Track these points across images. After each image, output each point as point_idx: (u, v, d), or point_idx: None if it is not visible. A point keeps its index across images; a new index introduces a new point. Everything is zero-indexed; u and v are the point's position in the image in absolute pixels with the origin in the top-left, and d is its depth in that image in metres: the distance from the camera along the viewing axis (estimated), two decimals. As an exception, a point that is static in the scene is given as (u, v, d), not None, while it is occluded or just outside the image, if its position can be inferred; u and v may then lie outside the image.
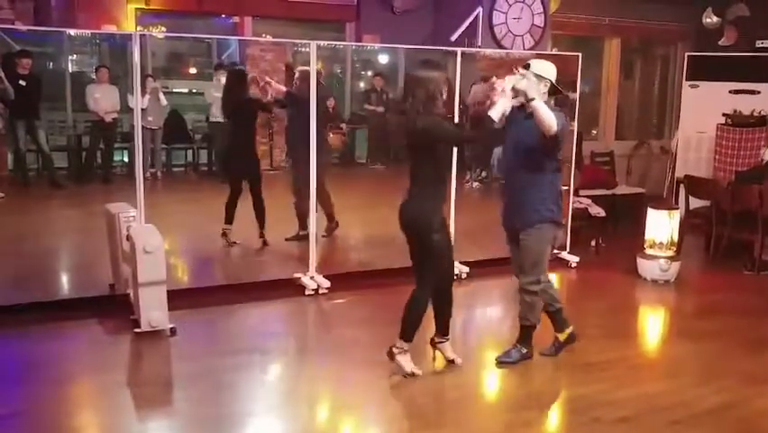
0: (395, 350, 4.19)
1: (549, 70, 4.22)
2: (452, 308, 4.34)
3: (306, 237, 6.31)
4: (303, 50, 6.93)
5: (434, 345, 4.43)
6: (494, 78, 4.12)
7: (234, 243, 6.58)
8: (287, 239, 6.66)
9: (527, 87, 3.98)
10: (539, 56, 8.09)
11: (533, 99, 3.95)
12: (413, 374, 4.17)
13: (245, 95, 6.56)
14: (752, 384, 4.30)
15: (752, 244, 6.73)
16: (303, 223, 6.54)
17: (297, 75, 6.73)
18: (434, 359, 4.46)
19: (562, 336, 4.59)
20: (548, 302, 4.51)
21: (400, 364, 4.18)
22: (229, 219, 6.55)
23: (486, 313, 5.86)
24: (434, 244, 4.08)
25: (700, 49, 9.31)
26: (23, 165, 7.75)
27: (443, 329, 4.37)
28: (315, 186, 5.88)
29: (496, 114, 3.97)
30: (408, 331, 4.17)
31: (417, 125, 3.96)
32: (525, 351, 4.47)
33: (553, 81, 4.21)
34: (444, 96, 4.04)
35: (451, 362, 4.39)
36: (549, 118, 3.94)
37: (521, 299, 4.41)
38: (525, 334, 4.48)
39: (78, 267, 6.26)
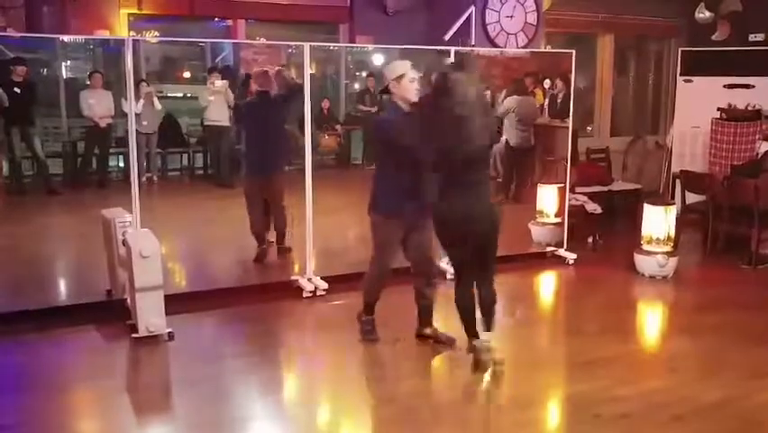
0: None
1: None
2: None
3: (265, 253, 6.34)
4: (297, 51, 6.92)
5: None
6: None
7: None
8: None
9: None
10: (534, 54, 8.20)
11: None
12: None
13: None
14: (752, 378, 4.30)
15: (748, 238, 6.73)
16: (261, 239, 6.38)
17: (252, 77, 6.47)
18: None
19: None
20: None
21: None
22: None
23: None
24: None
25: (694, 44, 9.32)
26: (19, 172, 7.73)
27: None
28: (310, 184, 5.83)
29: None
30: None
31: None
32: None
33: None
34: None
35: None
36: None
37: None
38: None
39: (75, 273, 6.25)
